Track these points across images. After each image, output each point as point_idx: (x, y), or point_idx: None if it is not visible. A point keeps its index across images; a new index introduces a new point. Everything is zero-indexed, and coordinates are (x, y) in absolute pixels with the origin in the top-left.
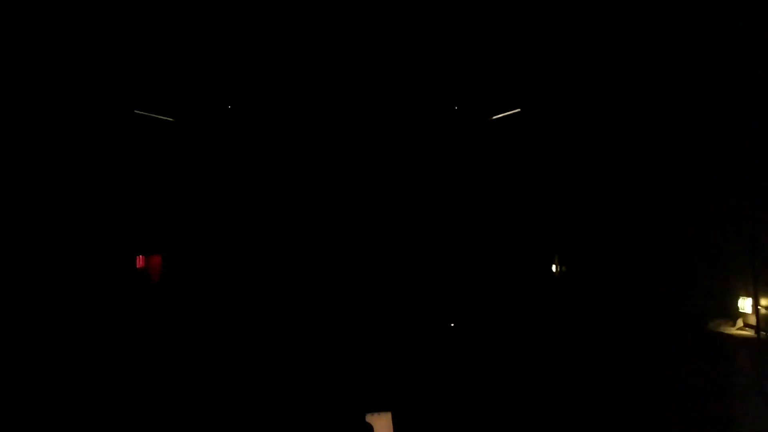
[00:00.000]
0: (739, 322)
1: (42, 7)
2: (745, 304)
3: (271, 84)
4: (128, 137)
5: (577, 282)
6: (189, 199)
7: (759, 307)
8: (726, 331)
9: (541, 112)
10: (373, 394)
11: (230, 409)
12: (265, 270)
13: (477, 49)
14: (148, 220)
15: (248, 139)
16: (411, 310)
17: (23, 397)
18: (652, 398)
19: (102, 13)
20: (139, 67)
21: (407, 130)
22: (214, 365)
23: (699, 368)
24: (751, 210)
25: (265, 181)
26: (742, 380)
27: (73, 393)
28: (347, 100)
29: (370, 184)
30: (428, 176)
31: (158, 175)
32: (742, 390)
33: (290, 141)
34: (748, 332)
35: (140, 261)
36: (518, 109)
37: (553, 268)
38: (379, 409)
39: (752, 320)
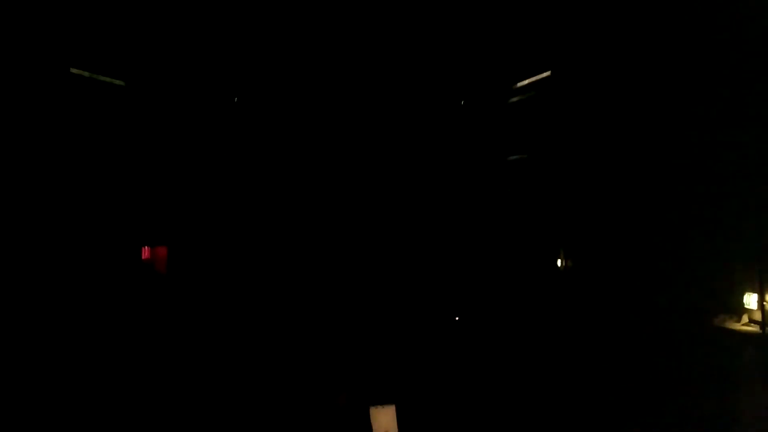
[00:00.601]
0: (744, 318)
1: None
2: (750, 300)
3: (277, 77)
4: (132, 130)
5: (582, 277)
6: (195, 190)
7: (764, 302)
8: (731, 327)
9: (548, 107)
10: (376, 387)
11: (233, 399)
12: (269, 262)
13: (483, 44)
14: (154, 210)
15: (256, 131)
16: (415, 304)
17: (28, 391)
18: (656, 394)
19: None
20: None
21: (412, 124)
22: (219, 357)
23: (703, 364)
24: (756, 206)
25: (273, 174)
26: (747, 376)
27: (78, 386)
28: (354, 94)
29: (375, 178)
30: (433, 170)
31: (164, 165)
32: (747, 386)
33: (298, 134)
34: (754, 328)
35: (146, 252)
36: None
37: (559, 262)
38: (382, 402)
39: (757, 316)
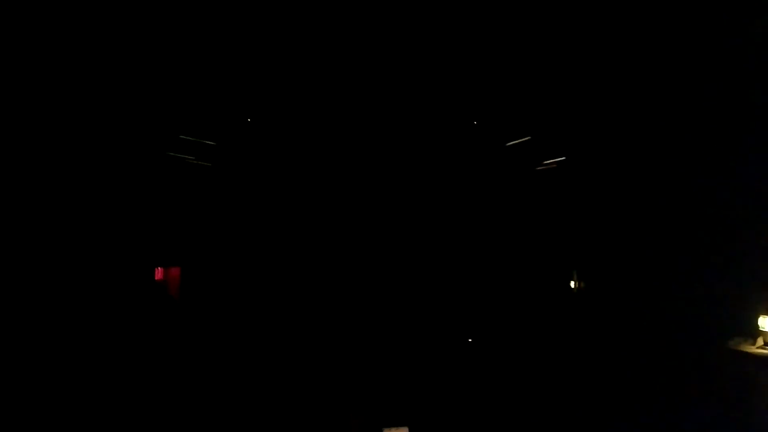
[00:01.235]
0: (759, 341)
1: None
2: (765, 323)
3: (290, 97)
4: (149, 151)
5: (595, 298)
6: (208, 212)
7: None
8: (746, 350)
9: (559, 128)
10: (390, 409)
11: (246, 421)
12: (283, 284)
13: (496, 64)
14: (168, 232)
15: (268, 152)
16: (429, 325)
17: (42, 408)
18: (672, 416)
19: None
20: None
21: (427, 145)
22: (231, 378)
23: (719, 386)
24: None
25: (286, 194)
26: (763, 399)
27: (90, 404)
28: (371, 114)
29: (390, 200)
30: (448, 191)
31: (178, 187)
32: (762, 408)
33: (310, 155)
34: None
35: (159, 273)
36: (528, 138)
37: (572, 284)
38: (396, 424)
39: None
